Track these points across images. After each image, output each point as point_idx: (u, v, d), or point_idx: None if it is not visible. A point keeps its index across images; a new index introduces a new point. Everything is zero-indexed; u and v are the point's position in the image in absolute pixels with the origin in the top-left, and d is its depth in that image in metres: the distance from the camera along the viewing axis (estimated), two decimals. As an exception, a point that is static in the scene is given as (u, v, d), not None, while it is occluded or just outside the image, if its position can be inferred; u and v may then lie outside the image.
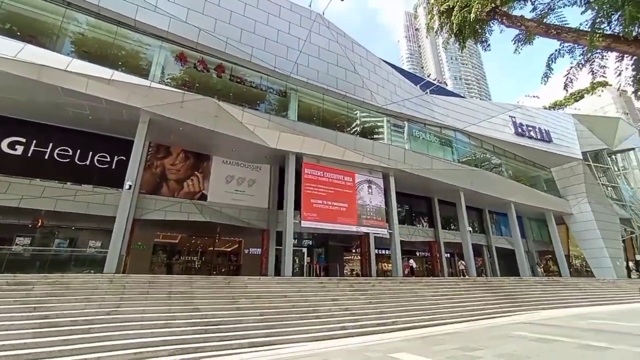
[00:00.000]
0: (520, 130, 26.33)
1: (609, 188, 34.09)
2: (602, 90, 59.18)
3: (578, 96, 61.47)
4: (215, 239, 18.02)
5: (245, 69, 15.27)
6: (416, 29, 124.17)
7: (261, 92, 15.91)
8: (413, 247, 23.29)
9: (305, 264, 18.26)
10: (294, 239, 16.05)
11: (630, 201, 35.61)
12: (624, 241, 30.11)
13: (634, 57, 8.12)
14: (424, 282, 14.50)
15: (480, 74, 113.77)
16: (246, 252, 18.12)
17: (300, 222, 14.68)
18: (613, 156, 37.54)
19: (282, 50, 15.81)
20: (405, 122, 20.19)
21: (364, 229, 16.97)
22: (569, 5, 9.84)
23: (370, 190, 17.48)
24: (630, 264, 31.08)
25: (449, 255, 24.30)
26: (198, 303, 8.51)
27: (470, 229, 21.94)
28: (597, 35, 8.11)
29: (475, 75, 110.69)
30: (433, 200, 23.34)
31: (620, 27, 8.40)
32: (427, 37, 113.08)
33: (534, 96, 32.47)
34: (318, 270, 18.71)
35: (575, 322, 10.42)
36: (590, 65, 9.10)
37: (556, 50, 9.71)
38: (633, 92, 8.58)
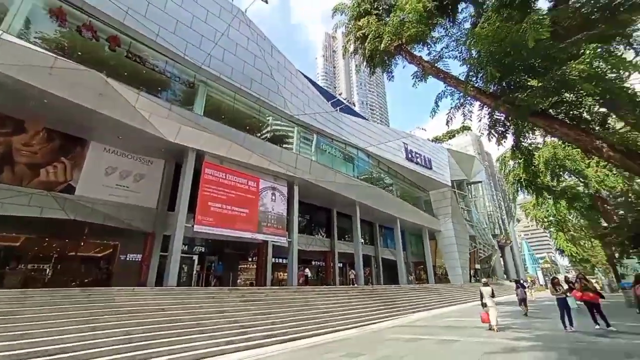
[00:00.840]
0: (410, 155, 30.42)
1: (465, 211, 42.54)
2: (467, 134, 74.49)
3: (451, 135, 75.90)
4: (80, 241, 14.66)
5: (149, 48, 13.19)
6: (334, 51, 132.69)
7: (165, 79, 13.97)
8: (309, 257, 23.88)
9: (195, 272, 16.54)
10: (184, 244, 14.42)
11: (476, 222, 45.41)
12: (470, 253, 37.79)
13: (490, 109, 10.16)
14: (317, 290, 14.87)
15: (383, 103, 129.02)
16: (122, 258, 15.24)
17: (193, 226, 13.26)
18: (469, 186, 47.23)
19: (195, 38, 14.31)
20: (314, 135, 20.82)
21: (264, 237, 16.50)
22: (452, 58, 11.81)
23: (273, 198, 17.19)
24: (472, 271, 39.00)
25: (341, 264, 25.83)
26: (27, 328, 6.50)
27: (362, 240, 23.91)
28: (469, 85, 9.89)
29: (379, 102, 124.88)
30: (332, 212, 24.59)
31: (483, 82, 10.48)
32: (343, 58, 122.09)
33: (422, 129, 38.32)
34: (210, 280, 17.22)
35: (436, 322, 12.25)
36: (463, 109, 11.04)
37: (442, 91, 11.42)
38: (486, 136, 10.67)
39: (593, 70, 6.52)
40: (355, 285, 21.29)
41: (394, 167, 29.37)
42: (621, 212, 22.26)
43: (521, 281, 18.62)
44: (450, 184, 36.24)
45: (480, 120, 10.62)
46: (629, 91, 7.27)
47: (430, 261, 32.10)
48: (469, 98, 10.65)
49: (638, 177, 7.29)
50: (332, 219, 24.53)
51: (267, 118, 18.46)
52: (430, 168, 33.17)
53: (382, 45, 11.64)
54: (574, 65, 6.76)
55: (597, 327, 8.34)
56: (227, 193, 15.01)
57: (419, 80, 12.07)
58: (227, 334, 8.24)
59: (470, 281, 34.93)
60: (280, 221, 17.32)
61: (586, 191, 24.95)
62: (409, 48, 11.58)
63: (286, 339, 8.70)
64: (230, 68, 15.47)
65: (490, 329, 9.31)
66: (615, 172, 21.79)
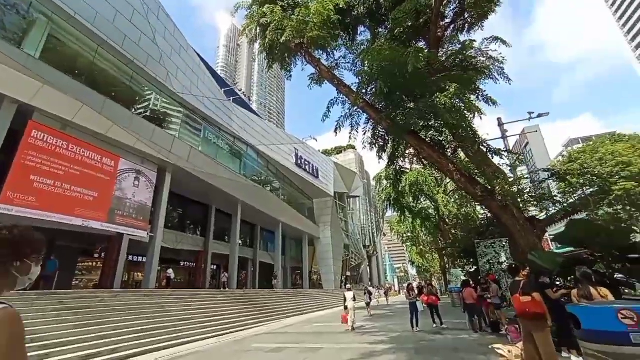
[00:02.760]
0: (299, 162, 31.05)
1: (343, 221, 46.25)
2: (352, 152, 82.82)
3: (339, 151, 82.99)
4: None
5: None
6: (238, 45, 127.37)
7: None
8: (178, 256, 21.00)
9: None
10: None
11: (351, 233, 50.07)
12: (344, 261, 41.01)
13: (374, 122, 11.02)
14: (175, 295, 12.78)
15: (281, 109, 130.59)
16: None
17: (-3, 204, 9.56)
18: (348, 199, 51.86)
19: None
20: (202, 121, 18.74)
21: (116, 228, 13.44)
22: (347, 70, 12.45)
23: (136, 183, 14.33)
24: (344, 278, 42.36)
25: (215, 267, 23.70)
26: None
27: (240, 242, 22.60)
28: (359, 96, 10.49)
29: (277, 108, 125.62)
30: (210, 209, 22.44)
31: (372, 96, 11.31)
32: (246, 51, 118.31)
33: (314, 139, 40.13)
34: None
35: (304, 328, 12.10)
36: (351, 120, 11.64)
37: (335, 97, 11.85)
38: (369, 147, 11.47)
39: (452, 104, 7.66)
40: (227, 289, 19.69)
41: (283, 171, 29.38)
42: (454, 231, 27.91)
43: (368, 288, 20.95)
44: (333, 195, 38.75)
45: (365, 134, 11.45)
46: (472, 130, 8.99)
47: (307, 267, 33.11)
48: (357, 110, 11.38)
49: (474, 200, 8.87)
50: (209, 217, 22.35)
51: (147, 92, 15.56)
52: (317, 177, 34.72)
53: (283, 38, 11.35)
54: (440, 97, 7.98)
55: (435, 325, 9.68)
56: (67, 168, 11.58)
57: (314, 83, 12.29)
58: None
59: (341, 287, 37.62)
60: (141, 211, 14.51)
61: (434, 213, 30.64)
62: (309, 49, 11.68)
63: (116, 358, 6.76)
64: (93, 11, 12.30)
65: (347, 330, 10.46)
66: (452, 200, 27.49)
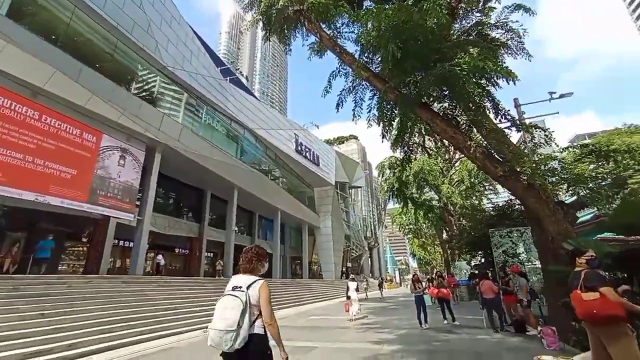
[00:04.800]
0: (300, 148, 29.86)
1: (344, 212, 45.25)
2: (354, 142, 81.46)
3: (341, 141, 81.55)
4: None
5: None
6: (240, 32, 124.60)
7: None
8: (172, 242, 20.10)
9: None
10: None
11: (353, 224, 49.12)
12: (344, 252, 40.15)
13: (380, 97, 9.82)
14: (160, 282, 11.80)
15: (283, 98, 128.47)
16: None
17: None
18: (350, 190, 50.74)
19: None
20: (194, 99, 17.55)
21: (100, 210, 12.44)
22: (350, 41, 11.17)
23: (122, 162, 13.25)
24: (344, 269, 41.58)
25: (212, 254, 22.82)
26: None
27: (236, 228, 21.64)
28: (360, 65, 9.28)
29: (279, 97, 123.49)
30: (205, 194, 21.40)
31: (380, 63, 10.11)
32: (249, 38, 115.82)
33: (315, 125, 38.80)
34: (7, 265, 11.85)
35: (300, 321, 11.11)
36: (355, 95, 10.47)
37: (336, 68, 10.64)
38: (376, 122, 10.26)
39: (477, 65, 6.49)
40: (221, 277, 18.82)
41: (282, 157, 28.23)
42: (462, 222, 26.81)
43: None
44: (334, 184, 37.62)
45: (370, 111, 10.28)
46: (493, 101, 7.81)
47: (307, 256, 32.24)
48: (361, 83, 10.20)
49: (494, 180, 7.69)
50: (204, 202, 21.34)
51: (132, 63, 14.34)
52: (318, 165, 33.56)
53: (281, 3, 10.24)
54: (461, 56, 6.81)
55: (446, 322, 8.59)
56: (38, 141, 10.49)
57: (315, 54, 11.07)
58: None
59: (341, 278, 36.82)
60: (127, 193, 13.49)
61: (438, 205, 29.54)
62: (309, 16, 10.50)
63: (69, 356, 5.69)
64: (68, -33, 11.07)
65: (350, 320, 10.27)
66: (458, 191, 26.33)
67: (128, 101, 13.06)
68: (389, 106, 9.94)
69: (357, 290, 11.56)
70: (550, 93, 13.45)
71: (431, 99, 8.73)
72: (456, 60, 6.85)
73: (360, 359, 5.29)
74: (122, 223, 14.16)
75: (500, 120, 7.62)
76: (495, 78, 7.40)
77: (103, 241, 14.21)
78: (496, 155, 7.52)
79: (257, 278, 2.27)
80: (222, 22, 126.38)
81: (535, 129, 7.96)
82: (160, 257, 16.25)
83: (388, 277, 64.05)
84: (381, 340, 6.68)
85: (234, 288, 2.20)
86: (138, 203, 14.33)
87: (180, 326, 8.61)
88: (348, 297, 11.16)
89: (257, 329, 2.13)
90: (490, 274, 8.12)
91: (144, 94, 14.93)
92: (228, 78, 21.07)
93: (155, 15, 14.76)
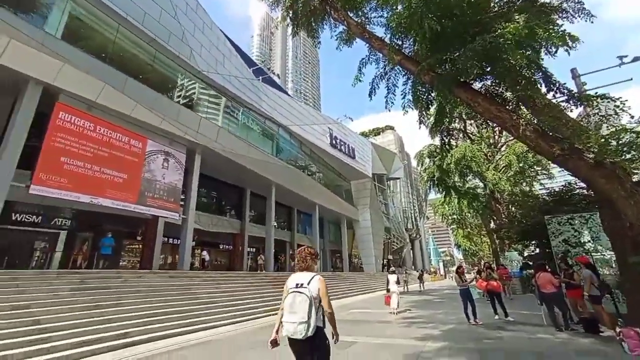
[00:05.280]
0: (334, 142, 29.64)
1: (382, 204, 44.32)
2: (390, 132, 79.24)
3: (376, 132, 79.78)
4: None
5: None
6: (271, 32, 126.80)
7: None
8: (218, 239, 21.14)
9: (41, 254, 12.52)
10: (35, 215, 10.72)
11: (392, 216, 47.98)
12: (384, 244, 39.40)
13: (414, 81, 9.28)
14: (204, 277, 12.38)
15: (317, 95, 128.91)
16: None
17: (29, 186, 9.61)
18: (388, 181, 49.49)
19: None
20: (229, 101, 18.10)
21: (147, 210, 13.35)
22: (377, 26, 10.68)
23: (165, 165, 14.09)
24: (385, 261, 40.85)
25: (254, 250, 23.63)
26: None
27: (275, 224, 22.11)
28: (391, 48, 8.80)
29: (312, 94, 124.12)
30: (245, 192, 22.14)
31: (411, 50, 9.55)
32: (280, 38, 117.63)
33: (349, 118, 38.29)
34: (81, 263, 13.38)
35: (339, 314, 10.94)
36: (387, 80, 10.02)
37: (366, 55, 10.30)
38: (413, 105, 9.73)
39: (525, 29, 5.78)
40: (264, 271, 19.40)
41: (317, 152, 28.23)
42: (512, 210, 24.88)
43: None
44: (371, 176, 36.91)
45: (404, 97, 9.80)
46: (545, 74, 6.95)
47: (346, 250, 32.12)
48: (393, 69, 9.73)
49: (551, 160, 6.84)
50: (244, 199, 22.09)
51: (170, 71, 15.10)
52: (354, 158, 33.10)
53: (307, -7, 10.08)
54: (505, 26, 6.12)
55: (497, 317, 7.96)
56: (95, 150, 11.49)
57: (343, 43, 10.79)
58: (22, 332, 5.49)
59: (382, 271, 36.23)
60: (172, 193, 14.33)
61: (484, 192, 27.67)
62: (335, 4, 10.24)
63: (119, 345, 6.09)
64: (110, -12, 11.85)
65: (391, 313, 10.09)
66: (505, 177, 24.38)
67: (168, 107, 13.80)
68: (424, 89, 9.39)
69: (397, 283, 11.25)
70: (620, 57, 11.77)
71: (471, 77, 8.04)
72: (499, 31, 6.17)
73: (403, 356, 5.01)
74: (170, 222, 15.13)
75: (554, 95, 6.75)
76: (547, 46, 6.58)
77: (154, 239, 15.32)
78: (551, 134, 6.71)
79: (315, 274, 2.64)
80: (254, 25, 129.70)
81: (602, 99, 6.92)
82: (205, 253, 17.13)
83: (432, 269, 61.94)
84: (425, 336, 6.32)
85: (297, 285, 2.57)
86: (182, 203, 15.11)
87: (217, 320, 8.85)
88: (388, 290, 11.06)
89: (320, 320, 2.53)
90: (547, 266, 7.30)
91: (182, 100, 15.66)
92: (260, 77, 21.43)
93: (188, 24, 15.37)
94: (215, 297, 10.44)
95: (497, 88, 8.25)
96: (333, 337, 2.60)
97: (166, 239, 16.72)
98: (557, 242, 8.76)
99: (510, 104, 8.13)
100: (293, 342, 2.55)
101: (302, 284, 2.54)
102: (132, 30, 13.08)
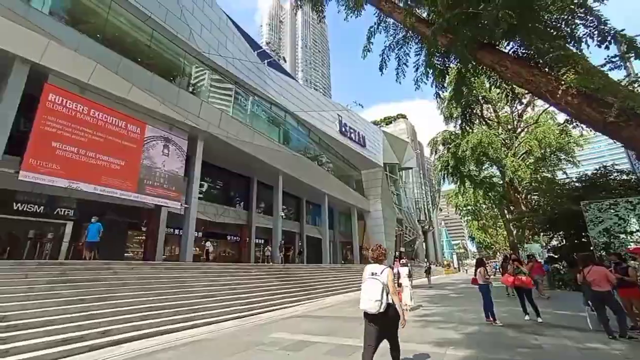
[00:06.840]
0: (344, 129, 28.57)
1: (394, 195, 43.09)
2: (402, 121, 77.20)
3: (388, 121, 77.87)
4: None
5: None
6: (280, 21, 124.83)
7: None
8: (225, 230, 20.63)
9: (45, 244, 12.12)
10: (37, 205, 10.35)
11: (404, 207, 46.70)
12: (396, 236, 38.34)
13: (428, 49, 8.19)
14: (202, 268, 11.68)
15: (327, 84, 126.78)
16: None
17: (17, 172, 9.08)
18: (400, 172, 48.05)
19: None
20: (233, 85, 17.28)
21: (146, 199, 12.77)
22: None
23: (166, 151, 13.45)
24: (397, 253, 39.92)
25: (262, 241, 23.07)
26: None
27: (283, 214, 21.42)
28: (405, 10, 7.71)
29: (322, 83, 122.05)
30: (252, 181, 21.47)
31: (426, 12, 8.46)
32: (289, 27, 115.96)
33: (359, 104, 37.00)
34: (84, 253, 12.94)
35: (346, 310, 10.13)
36: (398, 50, 8.98)
37: (375, 23, 9.28)
38: (426, 77, 8.69)
39: None
40: (271, 263, 18.79)
41: (326, 140, 27.26)
42: (533, 198, 23.42)
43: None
44: (382, 166, 35.72)
45: (417, 69, 8.77)
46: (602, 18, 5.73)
47: (357, 241, 31.28)
48: (404, 37, 8.72)
49: (598, 130, 5.64)
50: (251, 189, 21.42)
51: (168, 52, 14.34)
52: (364, 146, 31.96)
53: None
54: None
55: (527, 317, 6.95)
56: (89, 135, 10.89)
57: (351, 12, 9.76)
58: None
59: (394, 262, 35.23)
60: (173, 182, 13.71)
61: (500, 182, 26.17)
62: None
63: (97, 345, 5.42)
64: (99, -42, 11.07)
65: (404, 309, 8.35)
66: (525, 164, 22.85)
67: (167, 90, 13.07)
68: (439, 59, 8.33)
69: (409, 276, 10.07)
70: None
71: (497, 37, 6.89)
72: None
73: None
74: (173, 212, 14.58)
75: (607, 47, 5.58)
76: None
77: (157, 229, 14.83)
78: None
79: (385, 266, 3.45)
80: (263, 15, 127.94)
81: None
82: (208, 244, 16.56)
83: (445, 262, 60.46)
84: (444, 341, 5.34)
85: (373, 274, 3.40)
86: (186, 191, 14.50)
87: (213, 315, 8.15)
88: (399, 285, 9.68)
89: (390, 300, 3.29)
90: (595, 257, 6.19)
91: (182, 82, 14.92)
92: (266, 61, 20.49)
93: (187, 2, 14.52)
94: (213, 291, 9.76)
95: (528, 49, 7.07)
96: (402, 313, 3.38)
97: (171, 230, 16.24)
98: (596, 232, 7.65)
99: (545, 66, 6.95)
100: (368, 315, 3.36)
101: (376, 273, 3.37)
102: (127, 8, 12.32)
